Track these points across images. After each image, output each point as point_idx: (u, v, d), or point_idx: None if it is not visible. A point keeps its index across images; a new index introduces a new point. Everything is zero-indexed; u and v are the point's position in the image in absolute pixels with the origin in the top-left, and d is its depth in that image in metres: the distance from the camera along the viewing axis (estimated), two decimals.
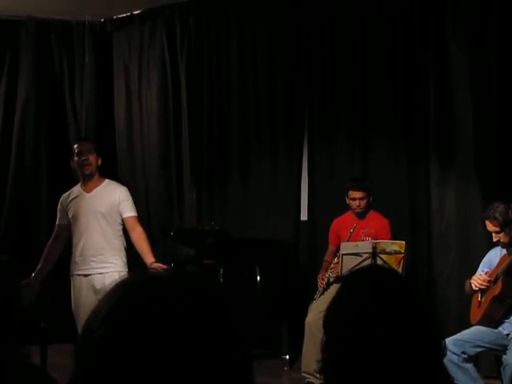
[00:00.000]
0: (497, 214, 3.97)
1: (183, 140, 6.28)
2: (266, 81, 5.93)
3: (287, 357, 5.23)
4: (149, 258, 4.23)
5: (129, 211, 4.38)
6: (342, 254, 4.49)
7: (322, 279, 4.79)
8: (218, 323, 0.77)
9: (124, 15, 6.54)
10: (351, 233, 4.76)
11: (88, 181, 4.40)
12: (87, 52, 6.54)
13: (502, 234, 3.98)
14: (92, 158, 4.37)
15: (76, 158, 4.38)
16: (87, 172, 4.36)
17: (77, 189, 4.47)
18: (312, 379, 4.51)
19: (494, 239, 4.02)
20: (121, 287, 0.80)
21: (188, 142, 6.24)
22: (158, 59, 6.39)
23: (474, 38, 4.97)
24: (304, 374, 4.60)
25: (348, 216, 4.94)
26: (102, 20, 6.64)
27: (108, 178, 4.55)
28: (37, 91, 6.44)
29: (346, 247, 4.56)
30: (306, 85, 5.79)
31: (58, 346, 4.93)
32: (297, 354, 4.89)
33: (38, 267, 4.47)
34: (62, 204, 4.48)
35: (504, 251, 4.08)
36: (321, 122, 5.72)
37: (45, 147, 6.46)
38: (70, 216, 4.39)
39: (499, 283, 3.94)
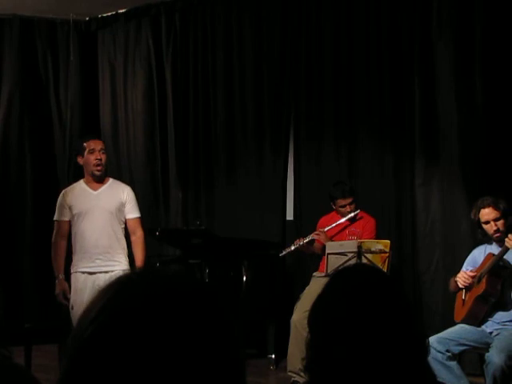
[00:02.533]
0: (496, 200, 4.00)
1: (169, 139, 6.27)
2: (252, 80, 5.94)
3: (273, 356, 5.24)
4: (138, 263, 4.34)
5: (133, 212, 4.42)
6: (328, 253, 4.51)
7: (300, 240, 4.86)
8: (210, 322, 0.77)
9: (109, 14, 6.51)
10: (337, 224, 4.83)
11: (98, 179, 4.39)
12: (72, 51, 6.50)
13: (501, 221, 4.00)
14: (104, 157, 4.37)
15: (88, 156, 4.33)
16: (99, 173, 4.36)
17: (80, 185, 4.43)
18: (297, 378, 4.53)
19: (493, 228, 3.99)
20: (112, 287, 0.79)
21: (174, 142, 6.22)
22: (144, 58, 6.37)
23: (459, 38, 5.00)
24: (290, 373, 4.61)
25: (334, 215, 4.97)
26: (87, 19, 6.61)
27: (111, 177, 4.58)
28: (21, 90, 6.39)
29: (332, 246, 4.58)
30: (292, 84, 5.80)
31: (42, 347, 4.91)
32: (283, 353, 4.90)
33: (57, 268, 4.41)
34: (64, 199, 4.41)
35: (488, 250, 4.11)
36: (307, 122, 5.73)
37: (29, 147, 6.42)
38: (74, 213, 4.35)
39: (483, 282, 3.97)
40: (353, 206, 4.83)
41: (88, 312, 0.77)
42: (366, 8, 5.43)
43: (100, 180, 4.39)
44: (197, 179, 6.17)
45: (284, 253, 4.94)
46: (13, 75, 6.38)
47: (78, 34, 6.55)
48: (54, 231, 4.47)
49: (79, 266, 4.32)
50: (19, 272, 6.27)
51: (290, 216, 5.83)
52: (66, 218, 4.40)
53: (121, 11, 6.45)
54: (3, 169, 6.37)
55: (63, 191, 4.49)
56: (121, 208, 4.37)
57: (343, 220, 4.85)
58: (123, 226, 4.40)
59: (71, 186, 4.49)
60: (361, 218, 4.89)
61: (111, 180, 4.48)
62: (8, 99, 6.37)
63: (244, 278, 5.17)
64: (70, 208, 4.37)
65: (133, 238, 4.41)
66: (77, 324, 0.78)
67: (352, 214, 4.82)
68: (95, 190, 4.38)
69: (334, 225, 4.86)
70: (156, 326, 0.73)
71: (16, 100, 6.39)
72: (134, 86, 6.43)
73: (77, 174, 6.21)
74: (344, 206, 4.83)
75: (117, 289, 0.79)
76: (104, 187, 4.39)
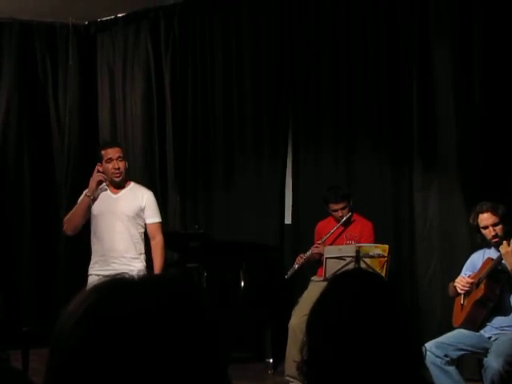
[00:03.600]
0: (495, 206, 4.00)
1: (167, 143, 6.27)
2: (250, 84, 5.94)
3: (271, 360, 5.23)
4: (156, 268, 4.32)
5: (152, 217, 4.43)
6: (326, 258, 4.51)
7: (301, 258, 4.87)
8: (193, 326, 0.77)
9: (108, 18, 6.52)
10: (332, 232, 4.84)
11: (118, 186, 4.41)
12: (71, 55, 6.50)
13: (499, 226, 3.99)
14: (122, 165, 4.39)
15: (106, 166, 4.36)
16: (118, 180, 4.38)
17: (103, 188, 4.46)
18: (295, 382, 4.52)
19: (492, 233, 3.98)
20: (95, 291, 0.79)
21: (172, 146, 6.22)
22: (143, 62, 6.37)
23: (457, 39, 5.01)
24: (287, 378, 4.60)
25: (332, 219, 4.97)
26: (86, 23, 6.61)
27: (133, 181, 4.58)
28: (20, 94, 6.38)
29: (330, 251, 4.58)
30: (290, 87, 5.81)
31: (39, 351, 4.89)
32: (280, 357, 4.89)
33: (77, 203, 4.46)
34: None
35: (487, 254, 4.11)
36: (305, 126, 5.73)
37: (27, 151, 6.40)
38: (93, 214, 4.38)
39: (482, 286, 3.97)
40: (345, 211, 4.84)
41: (70, 317, 0.77)
42: (363, 12, 5.44)
43: (120, 185, 4.41)
44: (195, 183, 6.17)
45: (289, 274, 4.96)
46: (12, 79, 6.37)
47: (77, 37, 6.55)
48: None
49: (95, 268, 4.36)
50: (17, 275, 6.26)
51: (288, 220, 5.84)
52: None
53: (120, 15, 6.46)
54: (1, 173, 6.35)
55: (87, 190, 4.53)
56: (139, 212, 4.38)
57: (337, 227, 4.86)
58: (142, 230, 4.40)
59: (98, 187, 4.51)
60: (354, 220, 4.90)
61: (132, 184, 4.50)
62: (7, 103, 6.36)
63: (242, 282, 5.17)
64: (90, 208, 4.40)
65: (152, 243, 4.42)
66: (58, 327, 0.78)
67: (344, 219, 4.83)
68: (115, 193, 4.41)
69: (329, 234, 4.87)
70: (134, 330, 0.73)
71: (15, 104, 6.38)
72: (133, 89, 6.44)
73: (75, 177, 6.23)
74: (336, 211, 4.85)
75: (98, 294, 0.78)
76: (124, 191, 4.42)
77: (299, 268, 4.92)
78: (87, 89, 6.59)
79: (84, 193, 4.44)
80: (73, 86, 6.52)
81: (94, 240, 4.41)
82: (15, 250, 6.28)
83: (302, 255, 4.93)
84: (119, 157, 4.39)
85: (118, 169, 4.35)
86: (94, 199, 4.40)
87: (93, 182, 4.38)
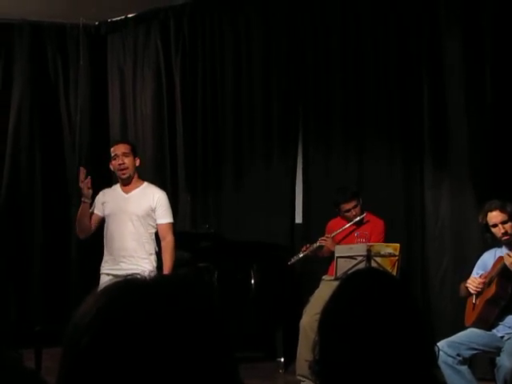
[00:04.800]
0: (503, 204, 3.98)
1: (177, 143, 6.28)
2: (260, 84, 5.94)
3: (282, 359, 5.23)
4: (166, 269, 4.31)
5: (163, 217, 4.41)
6: (337, 257, 4.51)
7: (306, 247, 4.87)
8: (204, 327, 0.77)
9: (118, 18, 6.54)
10: (343, 229, 4.84)
11: (126, 182, 4.41)
12: (82, 55, 6.53)
13: (508, 224, 3.98)
14: (128, 161, 4.38)
15: (113, 163, 4.39)
16: (124, 176, 4.39)
17: (116, 187, 4.50)
18: (307, 382, 4.51)
19: (501, 231, 3.97)
20: (106, 293, 0.79)
21: (182, 146, 6.24)
22: (153, 62, 6.39)
23: (468, 38, 4.99)
24: (298, 377, 4.60)
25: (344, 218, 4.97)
26: (97, 23, 6.64)
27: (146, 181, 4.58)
28: (31, 95, 6.42)
29: (341, 250, 4.57)
30: (300, 87, 5.81)
31: (52, 350, 4.92)
32: (291, 356, 4.89)
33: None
34: (101, 197, 4.49)
35: (498, 253, 4.09)
36: (315, 125, 5.73)
37: (39, 151, 6.44)
38: (106, 213, 4.41)
39: (493, 285, 3.95)
40: (358, 209, 4.83)
41: (81, 320, 0.77)
42: (373, 11, 5.42)
43: (129, 183, 4.42)
44: (205, 183, 6.18)
45: (293, 261, 4.95)
46: (23, 80, 6.41)
47: (87, 38, 6.58)
48: None
49: (105, 267, 4.40)
50: (29, 275, 6.29)
51: (298, 219, 5.83)
52: (98, 213, 4.45)
53: (130, 15, 6.48)
54: (13, 171, 6.39)
55: (104, 190, 4.55)
56: (150, 212, 4.37)
57: (349, 225, 4.85)
58: (152, 230, 4.40)
59: (112, 187, 4.55)
60: (368, 221, 4.88)
61: (145, 184, 4.50)
62: (18, 103, 6.40)
63: (252, 281, 5.17)
64: (103, 207, 4.43)
65: (162, 244, 4.41)
66: (70, 329, 0.78)
67: (358, 218, 4.81)
68: (127, 193, 4.42)
69: (340, 230, 4.86)
70: (142, 332, 0.74)
71: (26, 104, 6.41)
72: (143, 89, 6.45)
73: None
74: (349, 211, 4.83)
75: (106, 297, 0.78)
76: (136, 191, 4.43)
77: (304, 257, 4.89)
78: (98, 89, 6.62)
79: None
80: (83, 85, 6.55)
81: (105, 239, 4.44)
82: (27, 249, 6.31)
83: (308, 245, 4.92)
84: (124, 153, 4.39)
85: (123, 164, 4.35)
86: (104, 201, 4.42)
87: (84, 187, 4.33)
